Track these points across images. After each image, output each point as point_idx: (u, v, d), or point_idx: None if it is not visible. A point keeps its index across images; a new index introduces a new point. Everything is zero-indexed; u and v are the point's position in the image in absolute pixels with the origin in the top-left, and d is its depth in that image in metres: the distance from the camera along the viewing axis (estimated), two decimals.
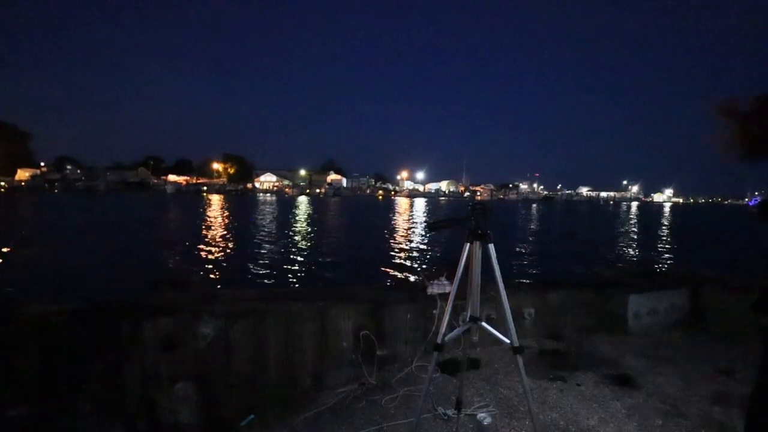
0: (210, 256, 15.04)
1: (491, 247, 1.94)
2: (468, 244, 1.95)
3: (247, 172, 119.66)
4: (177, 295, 2.76)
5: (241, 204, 54.31)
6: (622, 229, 33.48)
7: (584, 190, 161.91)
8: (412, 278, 11.49)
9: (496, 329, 2.01)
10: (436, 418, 2.56)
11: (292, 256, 15.55)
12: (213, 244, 18.09)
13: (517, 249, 19.05)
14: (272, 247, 17.78)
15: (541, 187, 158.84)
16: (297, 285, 11.49)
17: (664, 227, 37.21)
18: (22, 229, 21.67)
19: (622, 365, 3.40)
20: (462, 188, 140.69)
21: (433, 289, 3.35)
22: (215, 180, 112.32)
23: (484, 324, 2.02)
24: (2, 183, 79.71)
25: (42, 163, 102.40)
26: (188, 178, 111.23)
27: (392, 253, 16.74)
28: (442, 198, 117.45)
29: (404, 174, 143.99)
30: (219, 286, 10.06)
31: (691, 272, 5.16)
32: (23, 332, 2.21)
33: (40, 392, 2.20)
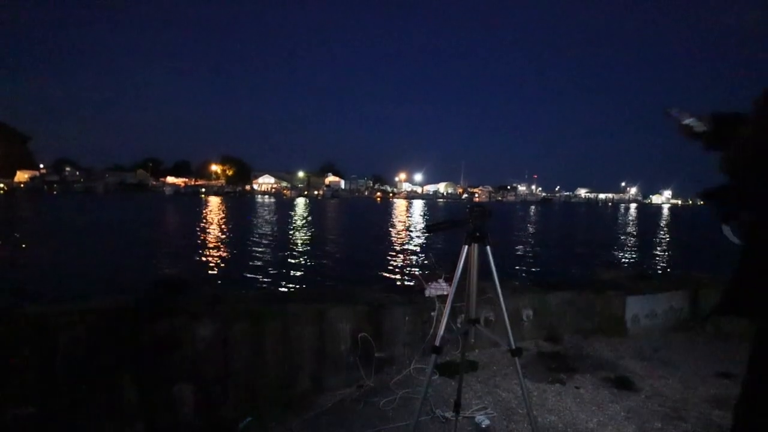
0: (208, 258, 15.03)
1: (489, 249, 1.94)
2: (466, 246, 1.95)
3: (245, 173, 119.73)
4: (175, 297, 2.76)
5: (240, 206, 54.31)
6: (621, 231, 33.54)
7: (582, 192, 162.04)
8: (410, 280, 11.48)
9: (494, 331, 2.01)
10: (434, 420, 2.55)
11: (290, 258, 15.54)
12: (211, 245, 18.08)
13: (516, 251, 19.08)
14: (270, 248, 17.78)
15: (540, 188, 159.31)
16: (295, 287, 11.48)
17: (662, 229, 37.26)
18: (21, 230, 21.64)
19: (621, 368, 3.39)
20: (460, 190, 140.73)
21: (431, 291, 3.34)
22: (214, 182, 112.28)
23: (481, 326, 2.02)
24: (1, 185, 79.57)
25: (41, 165, 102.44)
26: (187, 179, 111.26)
27: (390, 255, 16.75)
28: (440, 200, 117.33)
29: (402, 176, 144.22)
30: (218, 288, 10.05)
31: (690, 274, 5.17)
32: (23, 332, 2.20)
33: (40, 392, 2.19)
